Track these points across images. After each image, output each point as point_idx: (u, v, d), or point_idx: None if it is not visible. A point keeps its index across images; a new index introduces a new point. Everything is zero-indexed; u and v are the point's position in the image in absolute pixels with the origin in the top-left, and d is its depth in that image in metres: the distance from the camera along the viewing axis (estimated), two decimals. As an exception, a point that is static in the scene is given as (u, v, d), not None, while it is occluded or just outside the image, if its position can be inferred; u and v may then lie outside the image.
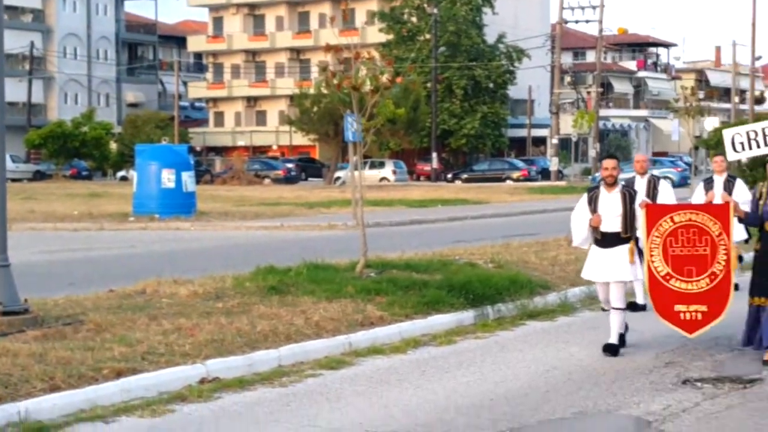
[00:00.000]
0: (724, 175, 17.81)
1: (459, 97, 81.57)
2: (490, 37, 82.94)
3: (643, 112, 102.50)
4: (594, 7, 75.97)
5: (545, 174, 74.98)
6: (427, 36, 78.67)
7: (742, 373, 11.87)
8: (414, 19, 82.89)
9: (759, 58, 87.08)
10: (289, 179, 75.63)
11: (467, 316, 15.26)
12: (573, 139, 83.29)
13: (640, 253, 13.16)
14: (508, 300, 16.20)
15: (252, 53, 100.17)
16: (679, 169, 67.83)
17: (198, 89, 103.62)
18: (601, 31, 77.65)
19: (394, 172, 73.09)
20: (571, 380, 11.59)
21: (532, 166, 77.80)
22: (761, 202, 12.41)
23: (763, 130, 10.41)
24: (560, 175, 74.53)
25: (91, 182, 75.28)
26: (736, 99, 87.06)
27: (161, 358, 11.61)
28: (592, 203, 12.88)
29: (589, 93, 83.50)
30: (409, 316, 14.62)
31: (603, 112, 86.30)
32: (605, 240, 12.87)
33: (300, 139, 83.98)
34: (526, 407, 10.41)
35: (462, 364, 12.24)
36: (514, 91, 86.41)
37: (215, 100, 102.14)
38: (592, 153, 75.47)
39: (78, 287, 16.55)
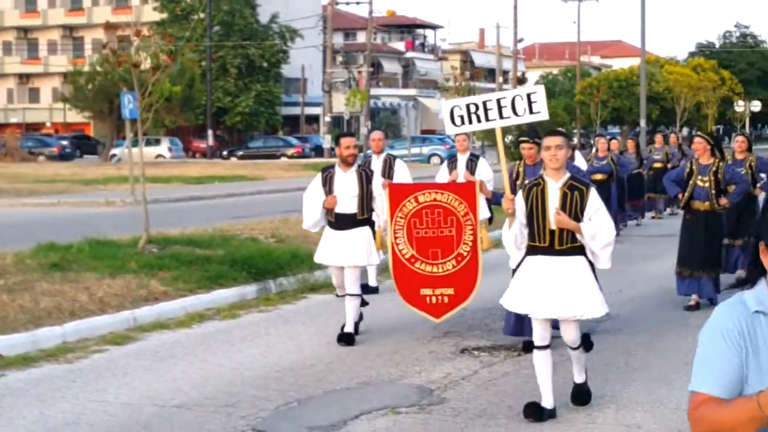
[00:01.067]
0: (467, 154, 16.74)
1: (233, 75, 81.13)
2: (264, 17, 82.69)
3: (411, 91, 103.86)
4: (364, -10, 76.48)
5: (319, 151, 75.13)
6: (201, 15, 77.91)
7: (516, 341, 12.14)
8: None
9: (521, 40, 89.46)
10: (63, 156, 73.69)
11: (250, 290, 15.22)
12: (345, 117, 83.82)
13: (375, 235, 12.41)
14: (289, 274, 16.24)
15: (24, 30, 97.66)
16: (447, 146, 68.80)
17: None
18: (371, 12, 78.24)
19: (170, 149, 72.11)
20: (355, 351, 11.69)
21: (305, 144, 77.84)
22: (518, 182, 11.91)
23: (484, 104, 9.39)
24: (332, 152, 74.81)
25: None
26: (500, 79, 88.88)
27: (-59, 337, 11.24)
28: (327, 184, 12.04)
29: (360, 72, 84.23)
30: (193, 291, 14.51)
31: (374, 91, 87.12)
32: (340, 222, 12.07)
33: (74, 116, 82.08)
34: (311, 378, 10.46)
35: (247, 338, 12.22)
36: (287, 70, 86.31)
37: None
38: (364, 130, 75.93)
39: None
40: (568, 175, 8.85)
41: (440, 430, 8.69)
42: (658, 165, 26.10)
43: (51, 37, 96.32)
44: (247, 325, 13.06)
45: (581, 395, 9.29)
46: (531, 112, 9.26)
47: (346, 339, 11.96)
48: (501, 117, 9.50)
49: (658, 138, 28.11)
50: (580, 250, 8.81)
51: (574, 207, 8.67)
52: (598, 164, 21.39)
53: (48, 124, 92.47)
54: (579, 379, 9.31)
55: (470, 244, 11.83)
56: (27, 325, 11.93)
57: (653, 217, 27.47)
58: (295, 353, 11.52)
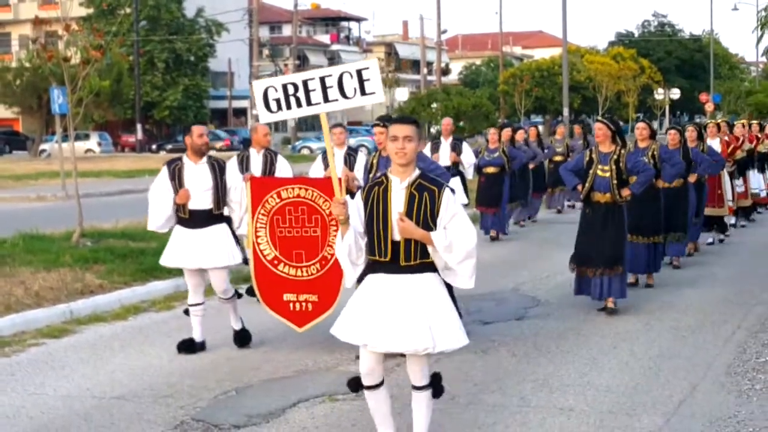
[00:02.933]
0: (344, 149, 16.08)
1: (161, 69, 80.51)
2: (190, 12, 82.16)
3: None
4: (290, -17, 76.34)
5: (247, 143, 74.64)
6: (128, 10, 77.04)
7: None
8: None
9: (445, 31, 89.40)
10: (-8, 152, 73.00)
11: (183, 282, 15.12)
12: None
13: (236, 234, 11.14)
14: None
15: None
16: (373, 137, 69.28)
17: None
18: (296, 5, 78.03)
19: (100, 144, 71.51)
20: (289, 340, 11.60)
21: (234, 136, 77.56)
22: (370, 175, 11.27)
23: (305, 83, 7.37)
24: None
25: None
26: (425, 70, 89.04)
27: None
28: (176, 177, 10.81)
29: (286, 65, 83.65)
30: (128, 284, 14.44)
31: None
32: (194, 219, 10.73)
33: (2, 112, 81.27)
34: (248, 367, 10.44)
35: (183, 329, 12.01)
36: (214, 64, 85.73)
37: None
38: (291, 123, 75.84)
39: None
40: (417, 172, 6.95)
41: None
42: (558, 158, 24.43)
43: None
44: (182, 316, 12.90)
45: None
46: (363, 93, 7.34)
47: (239, 338, 11.24)
48: (326, 100, 7.56)
49: (560, 129, 25.70)
50: (431, 267, 6.94)
51: (422, 212, 6.81)
52: (489, 157, 20.39)
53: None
54: None
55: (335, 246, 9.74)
56: (-40, 321, 11.81)
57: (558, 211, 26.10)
58: (231, 343, 11.46)
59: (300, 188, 10.54)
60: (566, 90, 52.72)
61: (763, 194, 23.61)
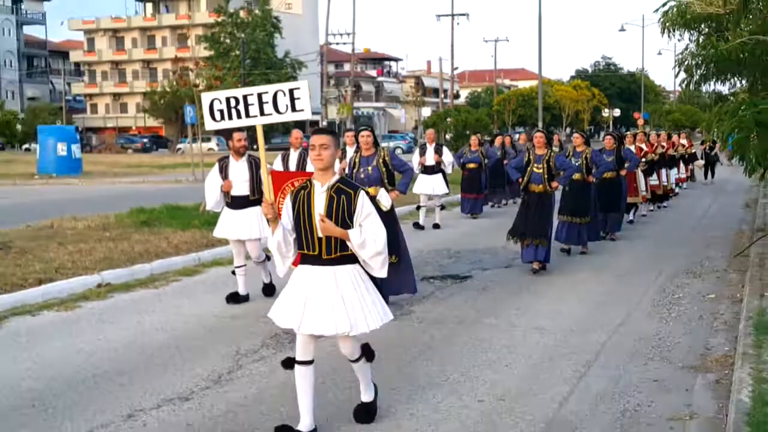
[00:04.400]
0: (434, 145, 17.60)
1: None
2: (280, 53, 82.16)
3: (381, 104, 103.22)
4: (348, 34, 75.84)
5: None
6: (237, 52, 77.12)
7: (458, 272, 12.18)
8: (228, 41, 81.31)
9: (456, 68, 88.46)
10: (145, 150, 73.29)
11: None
12: (337, 122, 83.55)
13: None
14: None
15: (116, 63, 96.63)
16: (406, 141, 69.30)
17: (78, 87, 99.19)
18: (353, 50, 77.63)
19: (218, 145, 71.49)
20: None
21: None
22: (354, 171, 10.19)
23: (245, 98, 6.28)
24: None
25: (3, 152, 71.28)
26: (442, 95, 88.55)
27: (69, 270, 11.18)
28: (223, 171, 10.12)
29: (346, 91, 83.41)
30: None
31: (356, 105, 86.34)
32: (235, 203, 10.07)
33: (151, 122, 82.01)
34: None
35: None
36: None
37: (91, 96, 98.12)
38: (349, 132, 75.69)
39: (2, 224, 15.72)
40: (336, 177, 5.80)
41: (410, 333, 8.68)
42: (472, 165, 19.67)
43: (134, 68, 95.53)
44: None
45: (365, 415, 6.16)
46: (294, 109, 6.18)
47: (267, 290, 10.46)
48: (262, 113, 6.34)
49: (473, 139, 20.45)
50: (351, 259, 5.77)
51: (341, 212, 5.69)
52: (471, 155, 19.62)
53: (133, 128, 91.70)
54: (366, 397, 6.20)
55: None
56: (126, 263, 11.89)
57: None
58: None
59: (307, 180, 9.43)
60: (541, 110, 52.33)
61: (673, 186, 23.22)
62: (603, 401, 6.49)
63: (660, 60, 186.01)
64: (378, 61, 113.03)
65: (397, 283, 9.56)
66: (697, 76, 13.29)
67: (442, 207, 18.27)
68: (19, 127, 78.62)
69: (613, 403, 6.46)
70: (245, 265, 10.35)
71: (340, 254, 5.71)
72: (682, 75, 13.52)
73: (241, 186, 10.06)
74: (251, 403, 6.49)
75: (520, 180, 12.06)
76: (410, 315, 9.47)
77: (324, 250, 5.70)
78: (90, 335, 8.46)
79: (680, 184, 26.09)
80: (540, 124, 48.73)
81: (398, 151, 62.50)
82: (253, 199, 10.04)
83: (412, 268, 10.07)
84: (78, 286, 10.57)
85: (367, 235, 5.63)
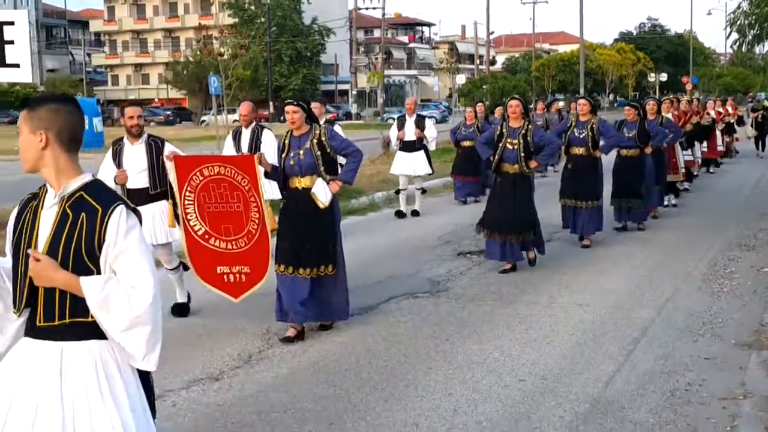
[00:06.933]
0: (414, 116, 15.18)
1: (286, 62, 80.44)
2: (307, 20, 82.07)
3: (413, 72, 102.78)
4: (378, -1, 75.81)
5: (348, 116, 74.92)
6: (263, 19, 77.17)
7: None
8: (252, 7, 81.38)
9: (492, 32, 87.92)
10: (168, 122, 73.71)
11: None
12: (367, 91, 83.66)
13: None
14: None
15: (137, 32, 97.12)
16: (440, 110, 68.94)
17: (98, 59, 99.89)
18: (383, 15, 77.40)
19: (243, 116, 71.87)
20: (381, 256, 11.69)
21: (339, 111, 77.65)
22: (283, 155, 7.93)
23: None
24: (358, 116, 74.88)
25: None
26: (478, 62, 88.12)
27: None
28: (117, 157, 8.27)
29: (376, 59, 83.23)
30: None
31: (386, 72, 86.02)
32: (133, 198, 7.85)
33: (174, 93, 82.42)
34: (352, 275, 10.37)
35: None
36: (324, 58, 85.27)
37: (111, 67, 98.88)
38: (380, 100, 75.53)
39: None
40: (84, 179, 3.25)
41: (446, 309, 8.72)
42: (467, 143, 17.09)
43: (156, 37, 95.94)
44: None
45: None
46: (3, 63, 3.83)
47: (178, 310, 8.58)
48: None
49: (469, 112, 17.73)
50: (93, 332, 3.19)
51: (75, 243, 3.13)
52: (465, 132, 17.17)
53: (156, 100, 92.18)
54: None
55: (257, 221, 7.86)
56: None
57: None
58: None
59: (219, 166, 7.83)
60: (582, 75, 51.92)
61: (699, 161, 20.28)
62: (651, 380, 6.48)
63: (710, 20, 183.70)
64: (409, 26, 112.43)
65: (327, 304, 7.91)
66: (750, 37, 13.12)
67: (423, 191, 16.18)
68: (38, 100, 79.49)
69: (662, 382, 6.44)
70: (174, 268, 8.63)
71: (72, 320, 3.17)
72: (734, 36, 13.33)
73: (137, 177, 8.18)
74: (282, 383, 6.55)
75: (492, 158, 10.30)
76: (447, 292, 9.49)
77: (41, 313, 3.17)
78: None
79: (716, 159, 23.08)
80: (582, 91, 48.31)
81: (431, 120, 62.16)
82: (155, 193, 8.24)
83: (346, 286, 8.15)
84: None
85: (116, 288, 3.13)
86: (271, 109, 74.37)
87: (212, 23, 58.46)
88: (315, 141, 7.71)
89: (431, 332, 7.83)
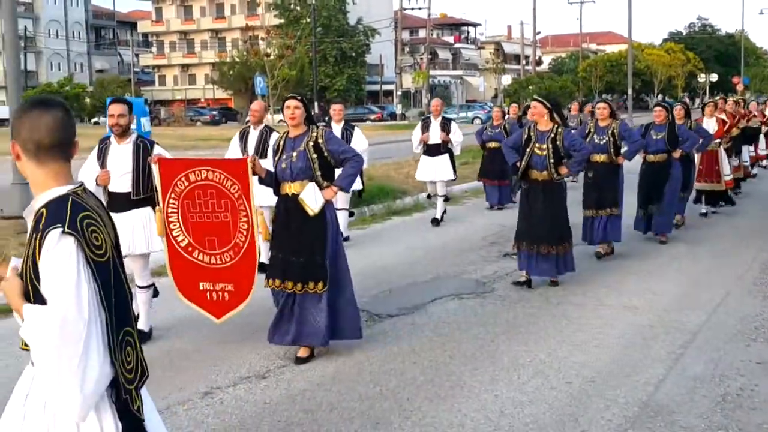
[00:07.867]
0: (440, 119, 14.31)
1: (331, 63, 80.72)
2: (352, 20, 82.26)
3: (459, 72, 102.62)
4: (424, -1, 75.80)
5: (393, 116, 74.94)
6: (308, 20, 77.49)
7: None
8: (298, 8, 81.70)
9: (539, 33, 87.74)
10: (214, 122, 74.30)
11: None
12: (412, 92, 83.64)
13: None
14: (378, 202, 16.26)
15: (184, 33, 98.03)
16: (486, 111, 68.70)
17: (146, 59, 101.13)
18: (429, 15, 77.38)
19: (290, 117, 72.16)
20: (426, 256, 11.70)
21: (383, 111, 77.69)
22: (276, 158, 7.30)
23: None
24: (403, 116, 74.87)
25: (72, 126, 73.11)
26: (524, 62, 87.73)
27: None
28: (102, 157, 7.58)
29: (421, 59, 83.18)
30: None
31: (432, 73, 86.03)
32: (114, 202, 7.35)
33: (220, 94, 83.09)
34: (397, 274, 10.49)
35: (349, 248, 12.26)
36: (369, 58, 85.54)
37: (159, 67, 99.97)
38: (425, 101, 75.46)
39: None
40: (47, 199, 2.93)
41: (492, 310, 8.70)
42: (493, 144, 16.38)
43: (203, 38, 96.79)
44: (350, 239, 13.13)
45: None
46: None
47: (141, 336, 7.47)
48: None
49: (496, 112, 17.01)
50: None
51: (27, 265, 2.87)
52: (492, 133, 16.51)
53: (202, 100, 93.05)
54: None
55: (245, 232, 7.24)
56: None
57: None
58: (386, 258, 11.54)
59: (207, 170, 7.23)
60: (630, 76, 51.40)
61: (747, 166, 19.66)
62: (702, 384, 6.40)
63: (761, 20, 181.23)
64: (455, 26, 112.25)
65: (303, 324, 7.12)
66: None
67: (446, 198, 15.06)
68: (87, 100, 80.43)
69: (713, 386, 6.37)
70: (146, 286, 7.87)
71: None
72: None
73: (121, 180, 7.48)
74: (328, 381, 6.57)
75: (519, 164, 9.64)
76: (492, 293, 9.47)
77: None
78: (164, 313, 8.63)
79: (758, 161, 22.06)
80: (629, 91, 47.85)
81: (476, 121, 62.05)
82: (137, 198, 7.56)
83: (355, 303, 7.43)
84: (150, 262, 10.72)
85: (34, 317, 2.82)
86: (317, 110, 74.73)
87: (258, 24, 58.92)
88: (311, 143, 7.16)
89: (477, 333, 7.82)
